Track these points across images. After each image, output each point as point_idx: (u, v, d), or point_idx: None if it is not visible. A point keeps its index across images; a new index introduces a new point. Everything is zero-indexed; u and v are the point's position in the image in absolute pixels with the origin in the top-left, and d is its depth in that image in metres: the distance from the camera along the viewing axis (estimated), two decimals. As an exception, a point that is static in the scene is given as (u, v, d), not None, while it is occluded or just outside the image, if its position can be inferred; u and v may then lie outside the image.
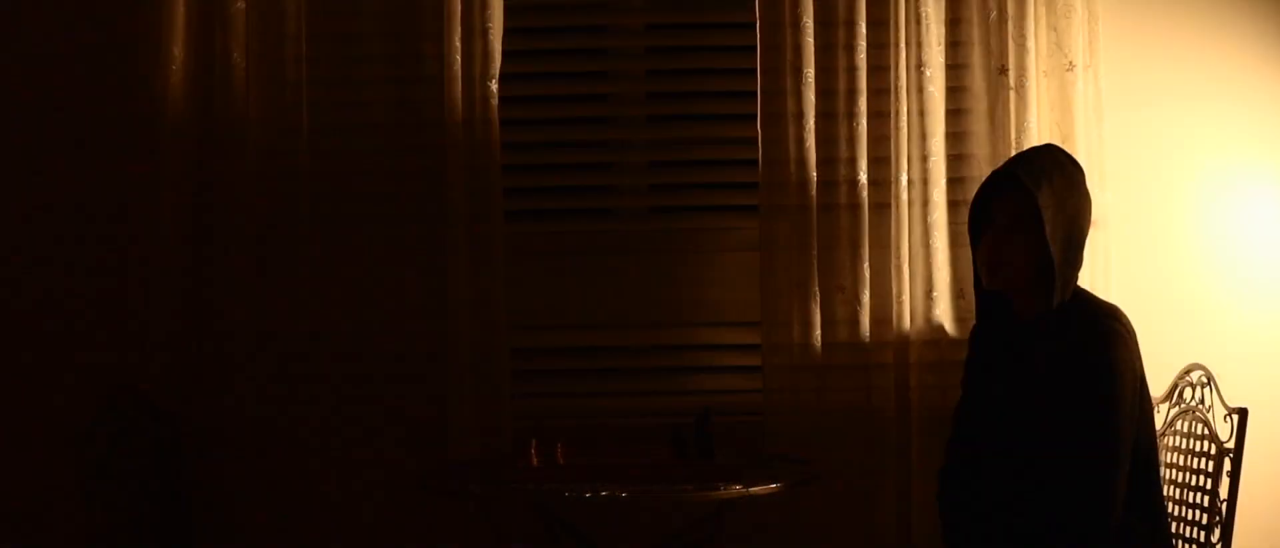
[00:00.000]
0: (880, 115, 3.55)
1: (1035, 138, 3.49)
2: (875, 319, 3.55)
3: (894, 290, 3.54)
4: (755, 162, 3.58)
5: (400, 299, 3.57)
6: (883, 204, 3.54)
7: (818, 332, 3.54)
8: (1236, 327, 3.66)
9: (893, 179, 3.54)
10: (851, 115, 3.55)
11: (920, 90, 3.54)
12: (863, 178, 3.54)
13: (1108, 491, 2.98)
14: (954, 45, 3.60)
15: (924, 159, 3.54)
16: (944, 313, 3.55)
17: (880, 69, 3.56)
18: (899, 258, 3.55)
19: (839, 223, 3.55)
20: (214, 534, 3.52)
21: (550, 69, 3.80)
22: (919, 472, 3.52)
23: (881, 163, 3.54)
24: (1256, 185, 3.70)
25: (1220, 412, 3.23)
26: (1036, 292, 3.10)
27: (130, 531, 3.22)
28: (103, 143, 3.66)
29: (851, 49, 3.54)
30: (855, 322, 3.54)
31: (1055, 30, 3.54)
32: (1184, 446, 3.34)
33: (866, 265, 3.54)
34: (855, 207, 3.54)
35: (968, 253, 3.44)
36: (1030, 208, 3.06)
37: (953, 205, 3.54)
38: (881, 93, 3.55)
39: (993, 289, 3.16)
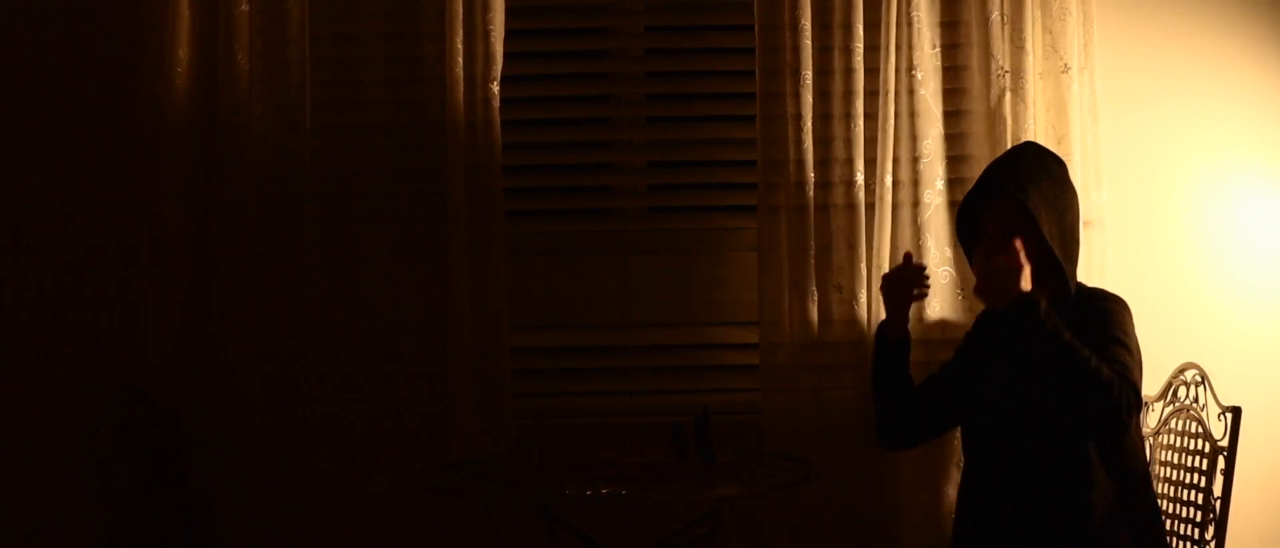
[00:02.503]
0: (877, 117, 3.57)
1: (1032, 139, 3.50)
2: (872, 319, 3.56)
3: (890, 290, 3.56)
4: (754, 162, 3.59)
5: (401, 299, 3.58)
6: (881, 204, 3.56)
7: (815, 331, 3.56)
8: (1231, 326, 3.69)
9: (890, 180, 3.55)
10: (848, 117, 3.57)
11: (912, 93, 3.56)
12: (860, 178, 3.56)
13: (1127, 371, 2.98)
14: (952, 47, 3.62)
15: (915, 161, 3.56)
16: (943, 312, 3.57)
17: (877, 71, 3.57)
18: (896, 258, 3.57)
19: (836, 223, 3.57)
20: (216, 533, 3.53)
21: (551, 70, 3.81)
22: (914, 472, 3.54)
23: (885, 163, 3.56)
24: (1251, 186, 3.73)
25: (1214, 411, 3.25)
26: (1039, 291, 3.13)
27: (133, 530, 3.22)
28: (108, 144, 3.66)
29: (848, 52, 3.56)
30: (852, 321, 3.56)
31: (1051, 32, 3.56)
32: (1178, 444, 3.36)
33: (863, 265, 3.56)
34: (852, 207, 3.56)
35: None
36: (1021, 214, 3.10)
37: (951, 205, 3.56)
38: (879, 94, 3.57)
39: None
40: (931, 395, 3.33)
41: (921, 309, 3.54)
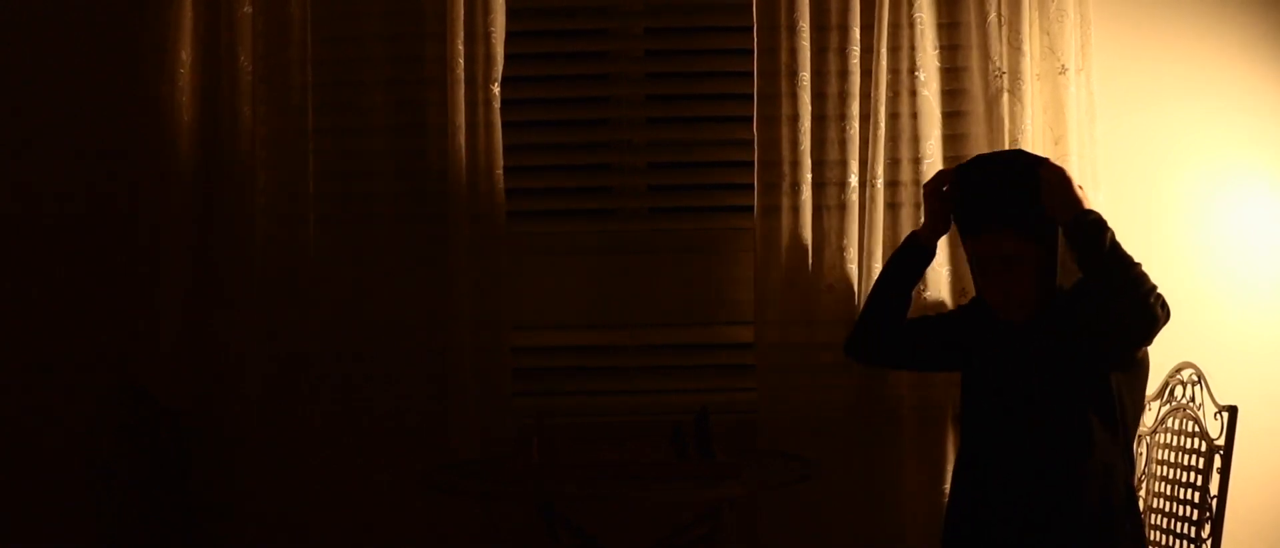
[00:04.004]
0: (874, 118, 3.58)
1: (1031, 140, 3.52)
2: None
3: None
4: (752, 163, 3.61)
5: (403, 299, 3.59)
6: (873, 205, 3.57)
7: (811, 331, 3.57)
8: (1227, 326, 3.70)
9: (881, 183, 3.56)
10: (844, 118, 3.58)
11: (913, 94, 3.58)
12: (854, 179, 3.57)
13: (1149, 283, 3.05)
14: (950, 48, 3.63)
15: (917, 162, 3.58)
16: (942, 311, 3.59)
17: (874, 73, 3.58)
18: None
19: (832, 223, 3.58)
20: (216, 533, 3.54)
21: (551, 72, 3.82)
22: (912, 469, 3.56)
23: (874, 165, 3.57)
24: (1248, 186, 3.74)
25: (1211, 410, 3.27)
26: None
27: (133, 530, 3.23)
28: (108, 144, 3.67)
29: (845, 53, 3.57)
30: (847, 321, 3.55)
31: (1048, 34, 3.57)
32: (1175, 443, 3.37)
33: (855, 266, 3.57)
34: (847, 207, 3.57)
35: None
36: (1022, 241, 3.13)
37: (950, 206, 3.58)
38: (872, 96, 3.57)
39: (1010, 320, 3.21)
40: (914, 330, 3.39)
41: (919, 295, 3.54)
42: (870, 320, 3.41)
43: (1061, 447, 3.13)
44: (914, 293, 3.46)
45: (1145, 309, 3.02)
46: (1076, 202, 3.12)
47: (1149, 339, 3.09)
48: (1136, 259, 3.09)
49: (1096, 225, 3.09)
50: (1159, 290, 3.05)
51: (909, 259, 3.39)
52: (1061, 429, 3.13)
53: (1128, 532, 3.14)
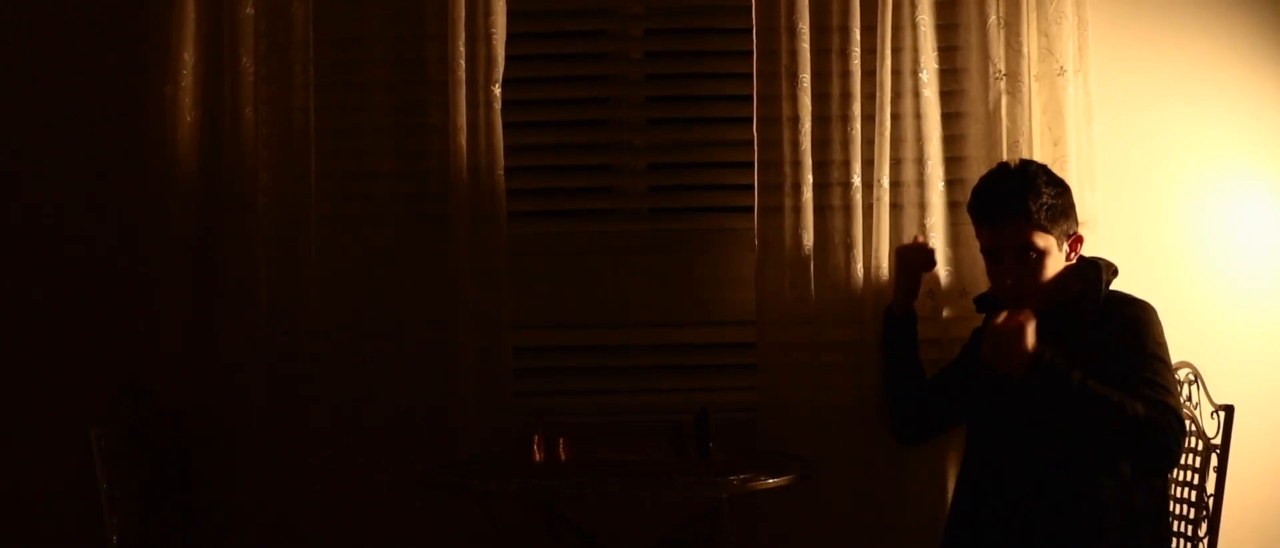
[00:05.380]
0: (875, 119, 3.59)
1: (1029, 141, 3.53)
2: (868, 320, 3.57)
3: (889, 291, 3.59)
4: (752, 163, 3.61)
5: (403, 299, 3.59)
6: (878, 205, 3.58)
7: (812, 331, 3.57)
8: (1223, 325, 3.71)
9: (887, 181, 3.57)
10: (845, 119, 3.58)
11: (916, 94, 3.59)
12: (857, 179, 3.58)
13: (1165, 395, 3.00)
14: (950, 49, 3.64)
15: (920, 162, 3.58)
16: (945, 312, 3.59)
17: (875, 73, 3.59)
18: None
19: (834, 224, 3.59)
20: (217, 533, 3.54)
21: (552, 73, 3.83)
22: (914, 470, 3.56)
23: (877, 165, 3.58)
24: (1243, 186, 3.75)
25: (1208, 409, 3.29)
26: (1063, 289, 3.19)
27: (134, 530, 3.23)
28: (108, 145, 3.68)
29: (846, 54, 3.58)
30: (849, 322, 3.57)
31: (1046, 35, 3.58)
32: (1173, 442, 3.39)
33: (860, 266, 3.58)
34: (849, 208, 3.58)
35: (967, 253, 3.52)
36: (1035, 232, 3.15)
37: (951, 206, 3.58)
38: (877, 97, 3.59)
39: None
40: (941, 389, 3.40)
41: (926, 307, 3.56)
42: (898, 405, 3.45)
43: (1069, 454, 3.12)
44: (930, 302, 3.50)
45: (1151, 441, 2.98)
46: (1024, 352, 3.00)
47: (1175, 458, 3.05)
48: (1107, 390, 2.98)
49: (1052, 369, 2.99)
50: (1162, 406, 2.98)
51: (897, 334, 3.44)
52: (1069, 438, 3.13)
53: (1147, 532, 3.14)
